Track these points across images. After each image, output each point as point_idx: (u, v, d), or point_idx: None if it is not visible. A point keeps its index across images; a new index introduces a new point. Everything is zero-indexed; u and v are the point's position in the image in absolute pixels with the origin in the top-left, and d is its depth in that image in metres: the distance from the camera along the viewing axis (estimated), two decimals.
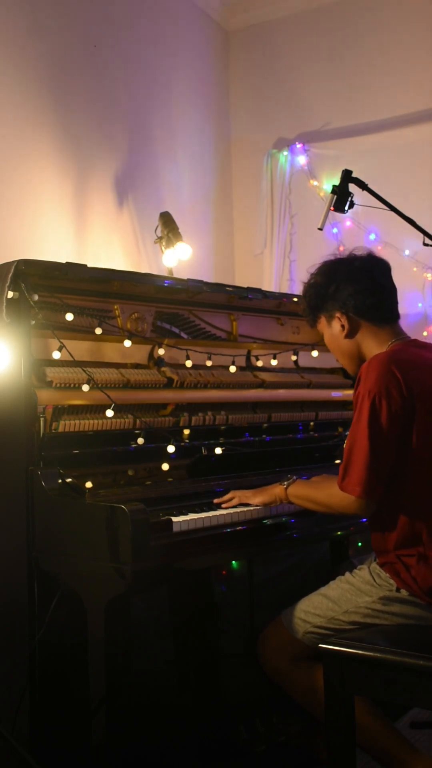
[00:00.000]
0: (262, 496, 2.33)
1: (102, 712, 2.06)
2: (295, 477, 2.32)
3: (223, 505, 2.33)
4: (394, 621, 2.10)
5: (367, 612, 2.12)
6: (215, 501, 2.37)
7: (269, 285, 4.34)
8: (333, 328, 2.27)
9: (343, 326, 2.24)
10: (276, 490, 2.31)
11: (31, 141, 3.25)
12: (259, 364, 2.99)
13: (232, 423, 2.84)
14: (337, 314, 2.24)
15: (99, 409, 2.41)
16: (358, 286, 2.22)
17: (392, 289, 2.27)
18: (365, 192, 2.73)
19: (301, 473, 2.62)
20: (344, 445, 2.12)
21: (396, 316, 2.27)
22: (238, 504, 2.34)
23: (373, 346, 2.22)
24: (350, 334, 2.24)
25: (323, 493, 2.17)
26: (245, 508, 2.32)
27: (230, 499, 2.36)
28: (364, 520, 2.59)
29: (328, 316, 2.28)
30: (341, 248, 4.20)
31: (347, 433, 3.18)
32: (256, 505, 2.33)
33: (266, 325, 3.15)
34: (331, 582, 2.24)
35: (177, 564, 2.15)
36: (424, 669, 1.85)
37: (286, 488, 2.28)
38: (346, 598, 2.16)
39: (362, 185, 2.72)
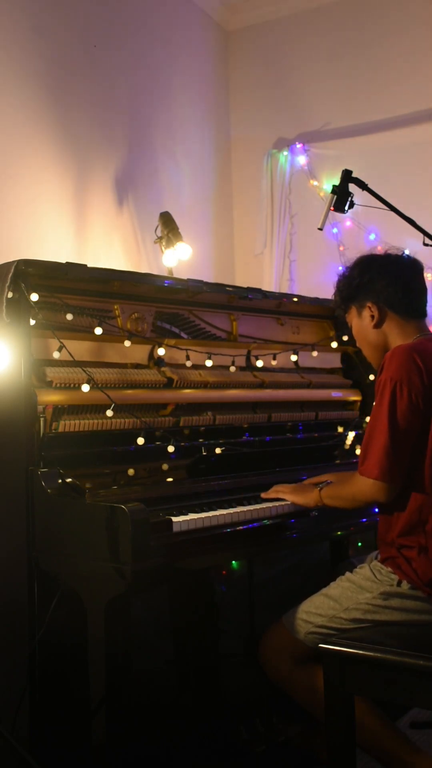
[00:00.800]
0: (298, 498, 2.38)
1: (102, 712, 2.06)
2: (329, 481, 2.36)
3: (263, 495, 2.43)
4: (394, 616, 2.11)
5: (368, 608, 2.13)
6: (262, 495, 2.44)
7: (269, 285, 4.34)
8: (363, 319, 2.34)
9: (372, 316, 2.30)
10: (312, 495, 2.35)
11: (31, 141, 3.25)
12: (259, 364, 2.99)
13: (232, 423, 2.84)
14: (369, 304, 2.31)
15: (99, 409, 2.41)
16: (391, 278, 2.29)
17: (423, 288, 2.35)
18: (365, 192, 2.73)
19: (302, 474, 2.63)
20: (365, 431, 2.16)
21: (424, 313, 2.33)
22: (275, 498, 2.42)
23: (398, 338, 2.29)
24: (378, 324, 2.30)
25: (348, 484, 2.20)
26: (245, 508, 2.32)
27: (271, 493, 2.44)
28: (364, 520, 2.60)
29: (359, 306, 2.34)
30: (341, 248, 4.21)
31: (347, 433, 3.20)
32: (291, 502, 2.39)
33: (266, 325, 3.15)
34: (332, 582, 2.24)
35: (177, 564, 2.15)
36: (424, 669, 1.85)
37: (320, 491, 2.32)
38: (347, 595, 2.17)
39: (362, 185, 2.72)
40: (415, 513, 2.11)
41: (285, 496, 2.41)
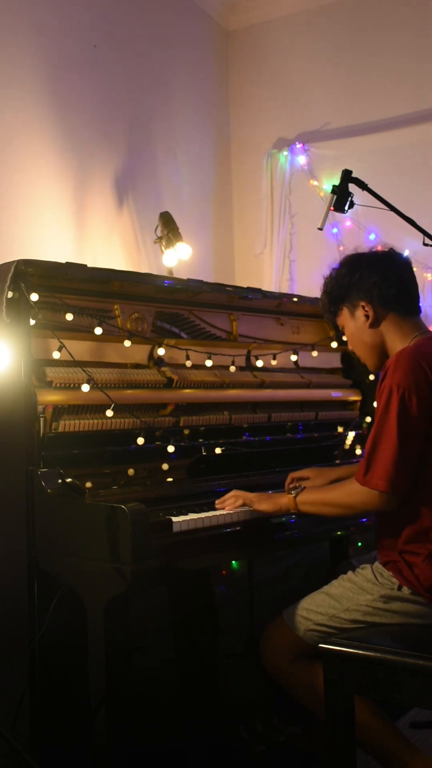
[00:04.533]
0: (267, 504, 2.27)
1: (102, 712, 2.06)
2: (302, 486, 2.29)
3: (227, 508, 2.29)
4: (394, 619, 2.11)
5: (368, 610, 2.12)
6: (216, 503, 2.33)
7: (269, 285, 4.34)
8: (357, 319, 2.24)
9: (367, 315, 2.21)
10: (282, 501, 2.24)
11: (31, 141, 3.25)
12: (259, 364, 2.99)
13: (232, 423, 2.84)
14: (362, 303, 2.21)
15: (99, 409, 2.41)
16: (382, 274, 2.20)
17: (415, 283, 2.26)
18: (365, 192, 2.73)
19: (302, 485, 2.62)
20: (367, 439, 2.08)
21: (418, 309, 2.25)
22: (241, 506, 2.31)
23: (396, 338, 2.20)
24: (375, 323, 2.21)
25: (341, 492, 2.13)
26: (245, 508, 2.31)
27: (231, 499, 2.31)
28: (364, 519, 2.60)
29: (352, 306, 2.24)
30: (341, 248, 4.20)
31: (347, 433, 3.20)
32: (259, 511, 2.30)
33: (266, 325, 3.15)
34: (334, 580, 2.24)
35: (177, 564, 2.15)
36: (424, 669, 1.85)
37: (295, 497, 2.22)
38: (348, 596, 2.16)
39: (362, 185, 2.72)
40: (420, 522, 2.06)
41: (250, 503, 2.28)
